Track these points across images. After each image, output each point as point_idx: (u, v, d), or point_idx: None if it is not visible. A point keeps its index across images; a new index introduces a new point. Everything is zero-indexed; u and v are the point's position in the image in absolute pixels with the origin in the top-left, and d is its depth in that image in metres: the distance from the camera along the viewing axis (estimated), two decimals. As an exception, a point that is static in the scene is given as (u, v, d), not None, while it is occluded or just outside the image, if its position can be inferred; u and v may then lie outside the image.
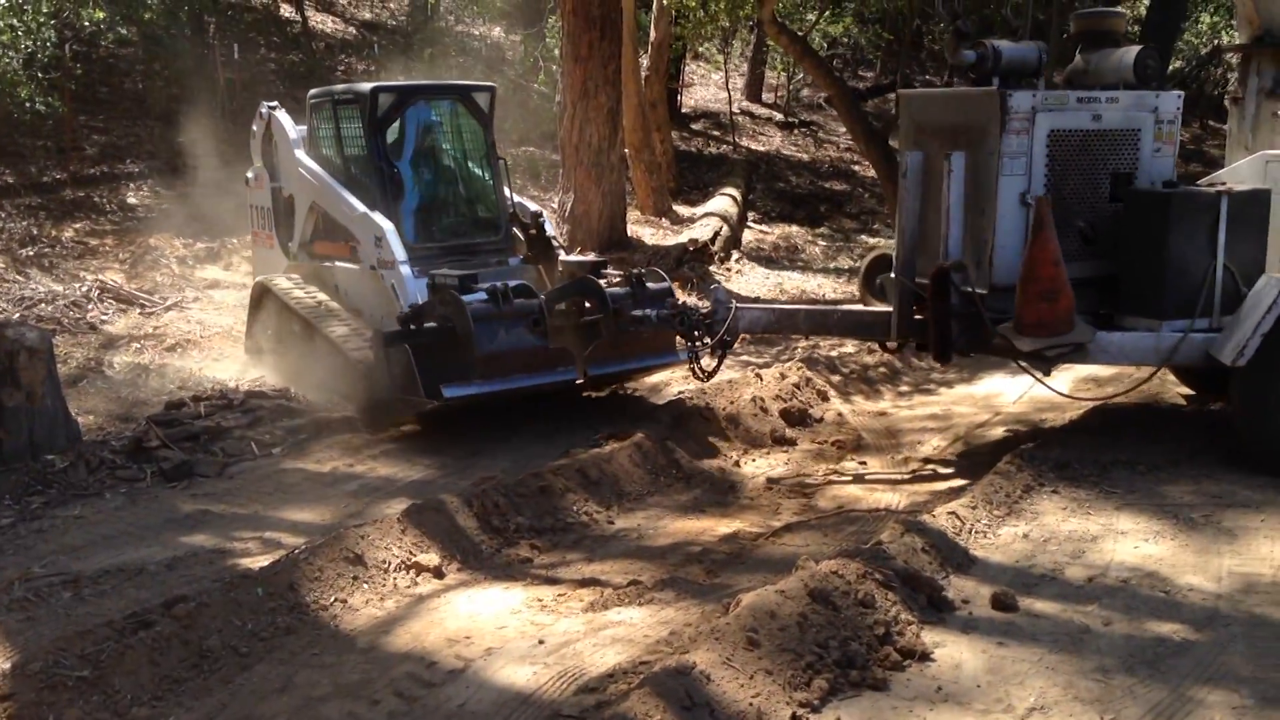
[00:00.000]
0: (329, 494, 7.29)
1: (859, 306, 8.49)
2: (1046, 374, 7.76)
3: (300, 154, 9.96)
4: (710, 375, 8.21)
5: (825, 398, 9.49)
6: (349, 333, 8.83)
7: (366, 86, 9.32)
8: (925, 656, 4.74)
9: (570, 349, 8.34)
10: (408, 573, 5.90)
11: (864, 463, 8.17)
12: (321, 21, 25.83)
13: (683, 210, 18.48)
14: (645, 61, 19.84)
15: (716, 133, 26.25)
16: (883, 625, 4.87)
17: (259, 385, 9.36)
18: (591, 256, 10.21)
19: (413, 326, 8.08)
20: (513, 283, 8.36)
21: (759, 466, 8.20)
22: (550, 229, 9.92)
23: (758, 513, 7.20)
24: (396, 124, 9.54)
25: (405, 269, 8.67)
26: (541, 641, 5.09)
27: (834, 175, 24.09)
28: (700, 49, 29.17)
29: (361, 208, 9.06)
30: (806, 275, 16.06)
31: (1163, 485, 6.61)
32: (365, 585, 5.68)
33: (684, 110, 27.41)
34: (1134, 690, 4.43)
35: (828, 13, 25.52)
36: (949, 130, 7.63)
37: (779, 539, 6.58)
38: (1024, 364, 7.69)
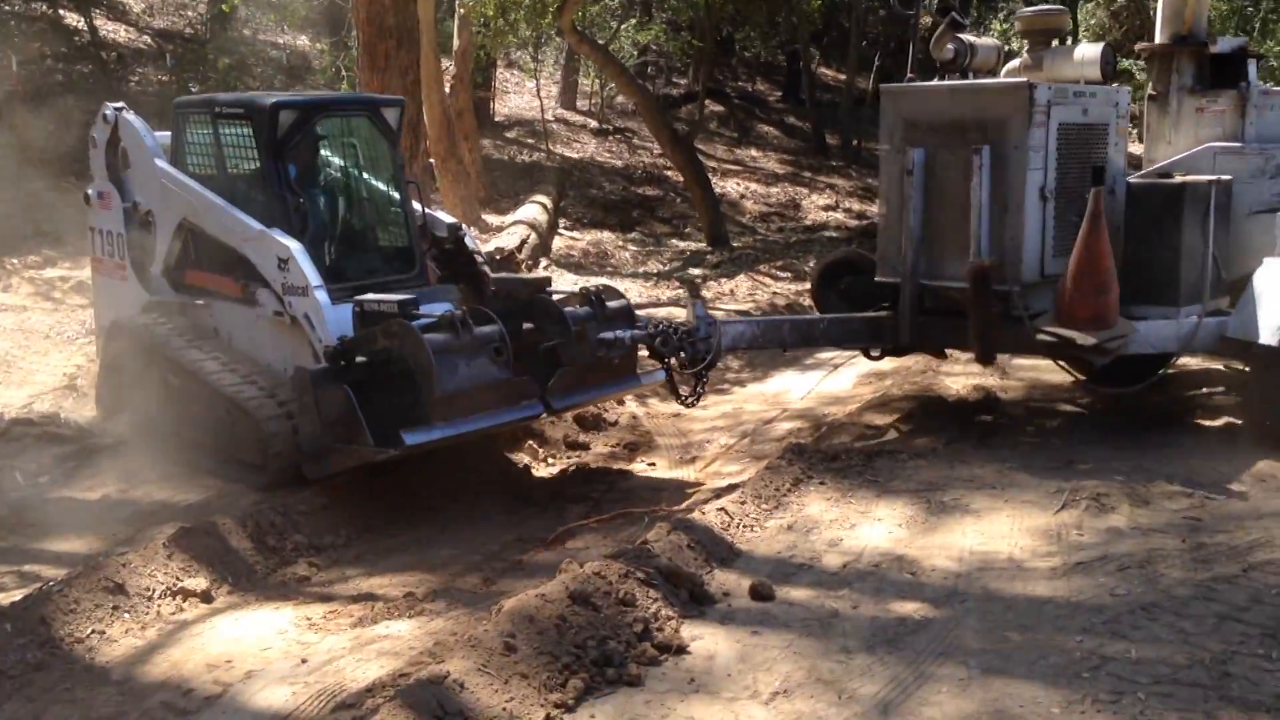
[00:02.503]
0: (99, 523, 7.04)
1: (846, 315, 8.28)
2: (1099, 367, 7.70)
3: (163, 163, 8.44)
4: (694, 400, 7.71)
5: (621, 401, 9.64)
6: (258, 393, 7.46)
7: (265, 99, 7.91)
8: (682, 650, 4.87)
9: (532, 380, 7.29)
10: (173, 599, 5.77)
11: (653, 464, 8.35)
12: (114, 30, 24.88)
13: (493, 219, 18.45)
14: (450, 69, 19.76)
15: (531, 140, 26.29)
16: (642, 622, 4.98)
17: (26, 411, 8.95)
18: (538, 273, 9.31)
19: (343, 363, 6.90)
20: (448, 308, 7.29)
21: (551, 470, 8.29)
22: (472, 243, 8.93)
23: (544, 518, 7.28)
24: (297, 143, 8.02)
25: (321, 294, 7.33)
26: (304, 661, 5.05)
27: (647, 180, 24.39)
28: (512, 56, 29.23)
29: (257, 225, 7.67)
30: (615, 280, 16.21)
31: (921, 471, 6.94)
32: (126, 615, 5.53)
33: (497, 118, 27.38)
34: (872, 668, 4.65)
35: (633, 20, 25.78)
36: (953, 125, 7.53)
37: (560, 544, 6.66)
38: (1063, 362, 7.75)
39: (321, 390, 6.86)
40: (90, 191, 9.09)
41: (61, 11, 22.76)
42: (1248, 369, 7.62)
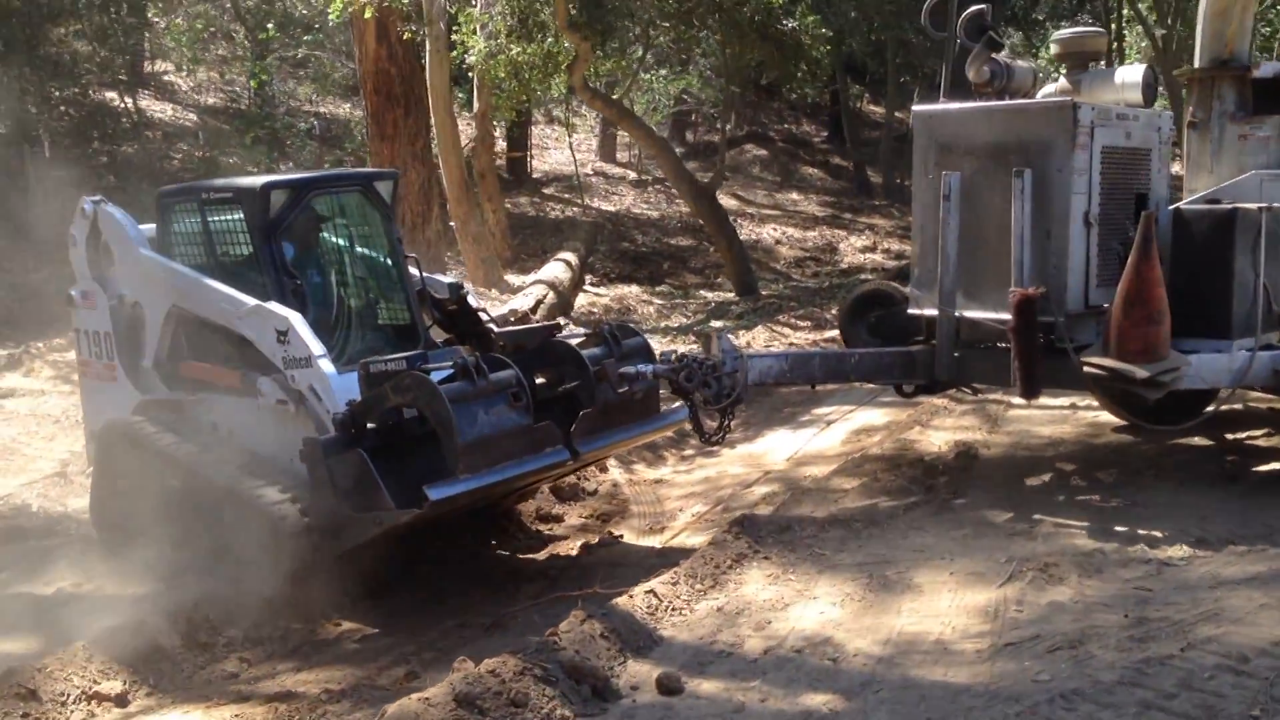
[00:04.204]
0: (47, 620, 7.00)
1: (879, 349, 7.95)
2: (1151, 401, 7.30)
3: (147, 251, 8.14)
4: (719, 438, 7.43)
5: (604, 468, 9.44)
6: (279, 494, 7.00)
7: (254, 182, 7.74)
8: (569, 754, 4.64)
9: (554, 425, 7.01)
10: (87, 704, 5.67)
11: (619, 536, 8.11)
12: (160, 110, 25.53)
13: (515, 279, 18.45)
14: (471, 132, 19.91)
15: (568, 195, 26.39)
16: (532, 725, 4.77)
17: (3, 503, 9.01)
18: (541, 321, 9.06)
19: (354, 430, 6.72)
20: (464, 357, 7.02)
21: (517, 547, 8.12)
22: (475, 300, 8.66)
23: (495, 599, 7.09)
24: (290, 224, 7.82)
25: (325, 363, 7.05)
26: (194, 771, 4.91)
27: (682, 231, 24.29)
28: (553, 113, 29.42)
29: (251, 300, 7.40)
30: (633, 336, 16.07)
31: (873, 542, 6.62)
32: (33, 723, 5.44)
33: (535, 175, 27.55)
34: (762, 773, 4.37)
35: (663, 71, 25.80)
36: (992, 148, 7.28)
37: (496, 630, 6.46)
38: (1105, 399, 7.55)
39: (334, 459, 6.60)
40: (73, 292, 8.72)
41: (110, 95, 23.43)
42: None
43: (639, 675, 5.28)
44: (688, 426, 7.74)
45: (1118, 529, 6.44)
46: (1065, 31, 8.71)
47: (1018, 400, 9.20)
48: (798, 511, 7.42)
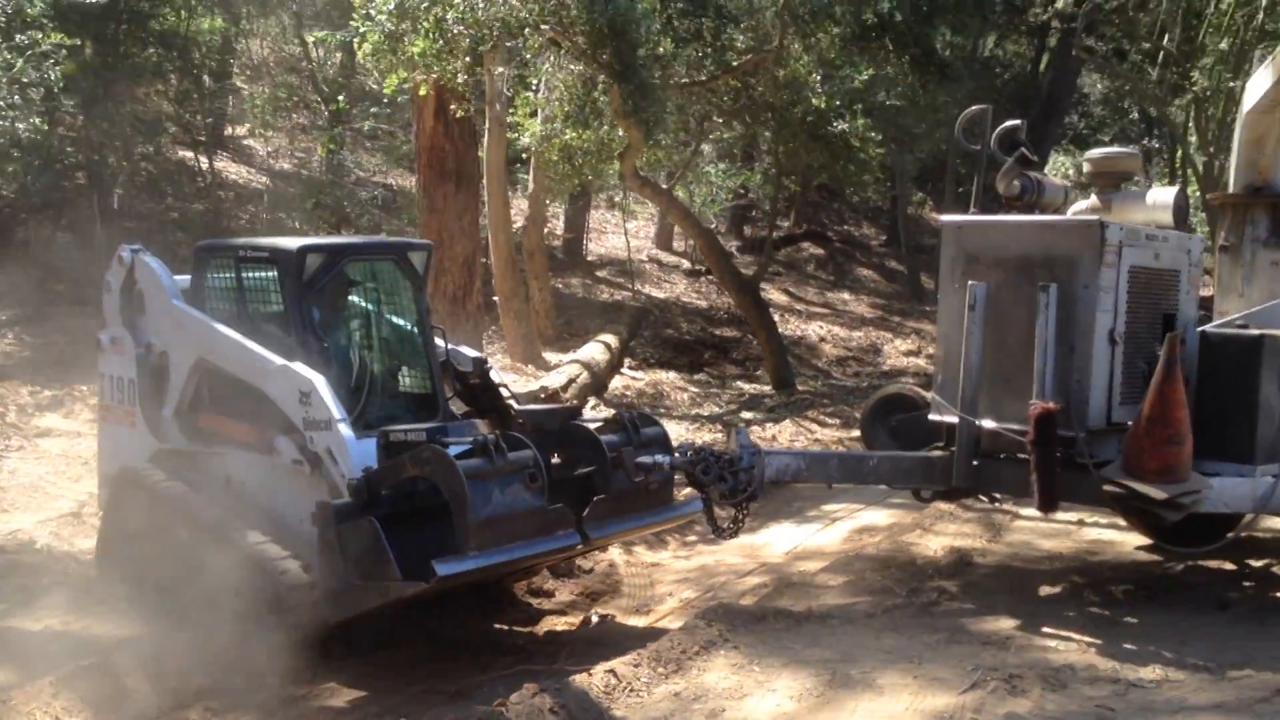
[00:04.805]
0: (27, 654, 7.09)
1: (898, 453, 7.96)
2: (1170, 523, 7.19)
3: (179, 302, 8.29)
4: (733, 532, 7.46)
5: (604, 549, 9.42)
6: (285, 555, 7.05)
7: (291, 243, 7.86)
8: (495, 829, 4.61)
9: (566, 508, 7.00)
10: (44, 740, 5.75)
11: (607, 615, 8.08)
12: (236, 172, 26.34)
13: (554, 357, 18.62)
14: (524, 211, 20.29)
15: (620, 279, 26.67)
16: (463, 794, 4.75)
17: (9, 538, 9.19)
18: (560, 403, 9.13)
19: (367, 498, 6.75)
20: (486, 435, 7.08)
21: (503, 619, 8.11)
22: (498, 376, 8.70)
23: (466, 669, 7.07)
24: (323, 287, 7.92)
25: (344, 428, 7.09)
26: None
27: (728, 322, 24.38)
28: (615, 199, 29.91)
29: (279, 360, 7.47)
30: (664, 421, 16.09)
31: (845, 639, 6.55)
32: (-12, 754, 5.52)
33: (590, 257, 27.90)
34: None
35: (721, 166, 26.17)
36: (1019, 261, 7.33)
37: (460, 699, 6.45)
38: (1128, 517, 7.53)
39: (345, 525, 6.65)
40: (102, 337, 8.86)
41: (187, 154, 24.23)
42: None
43: (583, 754, 5.25)
44: (700, 518, 7.74)
45: (1093, 646, 6.32)
46: (1098, 151, 8.76)
47: (1025, 511, 9.16)
48: (778, 604, 7.36)
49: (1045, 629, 6.69)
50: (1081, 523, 9.12)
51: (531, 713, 5.40)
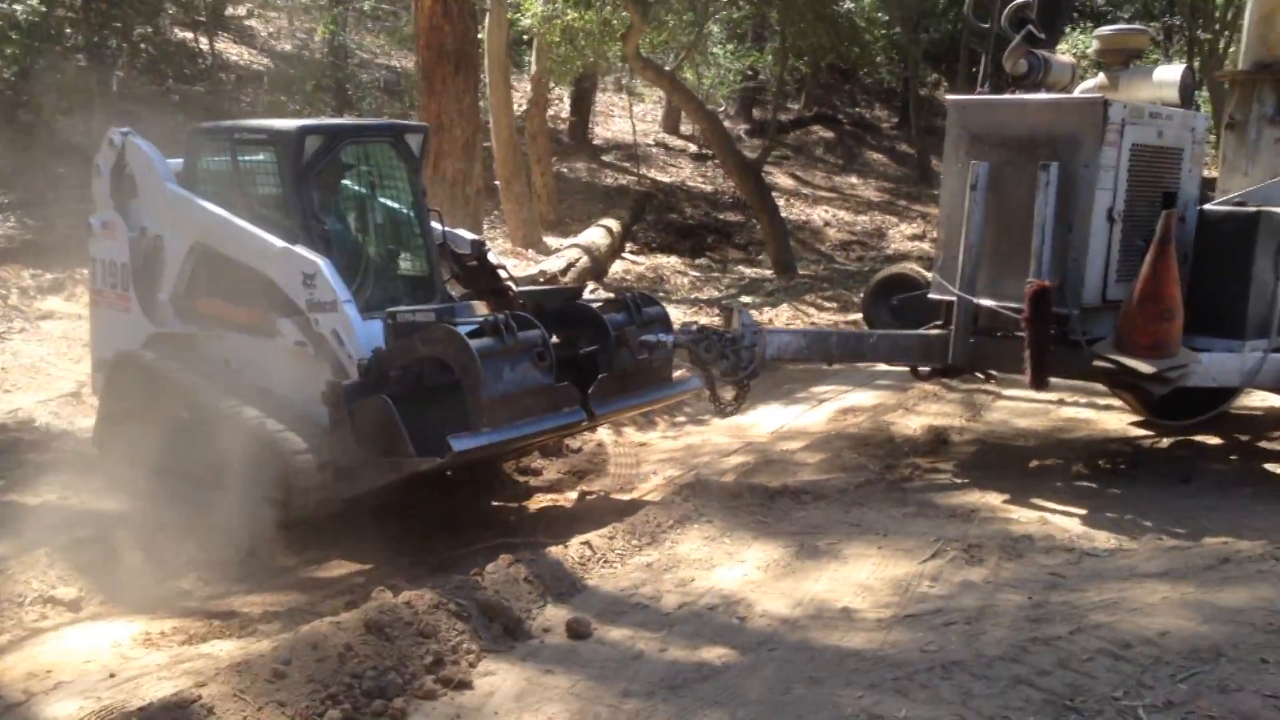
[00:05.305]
0: (24, 526, 7.30)
1: (897, 331, 8.09)
2: (1156, 399, 7.44)
3: (174, 186, 8.23)
4: (734, 409, 7.62)
5: (593, 429, 9.60)
6: (293, 434, 7.12)
7: (290, 125, 7.83)
8: (464, 685, 4.82)
9: (573, 386, 7.18)
10: (41, 606, 6.00)
11: (591, 493, 8.29)
12: (237, 54, 26.06)
13: (554, 241, 18.66)
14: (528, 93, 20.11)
15: (627, 164, 26.52)
16: (435, 655, 4.97)
17: (10, 416, 9.41)
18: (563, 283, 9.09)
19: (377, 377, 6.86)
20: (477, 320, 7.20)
21: (492, 495, 8.33)
22: (495, 258, 8.73)
23: (456, 543, 7.30)
24: (321, 169, 7.87)
25: (351, 309, 7.15)
26: (113, 675, 5.18)
27: (732, 206, 24.30)
28: (623, 82, 29.56)
29: (280, 242, 7.47)
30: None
31: (815, 514, 6.75)
32: (-14, 620, 5.77)
33: (595, 142, 27.70)
34: (638, 715, 4.53)
35: (730, 47, 25.77)
36: (1022, 140, 7.36)
37: (443, 570, 6.67)
38: (1118, 390, 7.62)
39: (356, 403, 6.76)
40: (93, 221, 8.80)
41: (188, 35, 23.98)
42: None
43: (554, 619, 5.47)
44: (691, 399, 7.82)
45: (1052, 518, 6.51)
46: (1107, 28, 8.68)
47: (1008, 391, 9.30)
48: (754, 480, 7.53)
49: (1010, 502, 6.87)
50: (1061, 402, 9.26)
51: (507, 581, 5.60)
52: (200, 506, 7.30)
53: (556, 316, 7.67)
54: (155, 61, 22.16)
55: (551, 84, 20.72)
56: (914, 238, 23.25)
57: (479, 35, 17.01)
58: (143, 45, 21.98)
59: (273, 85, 22.48)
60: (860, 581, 5.72)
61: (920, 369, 8.23)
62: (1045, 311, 6.90)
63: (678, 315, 15.03)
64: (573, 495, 8.20)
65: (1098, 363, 7.04)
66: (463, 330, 6.76)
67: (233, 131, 8.25)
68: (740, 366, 7.25)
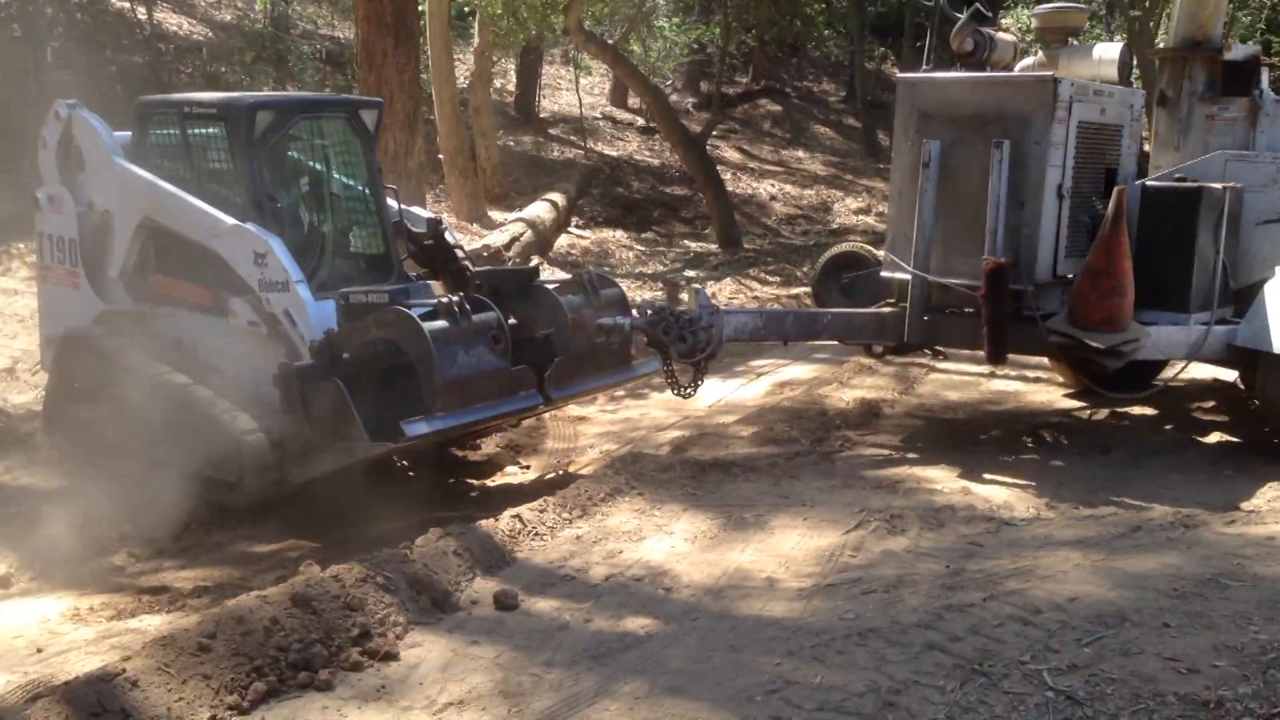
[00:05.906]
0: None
1: (851, 309, 8.18)
2: (1111, 370, 7.54)
3: (122, 160, 8.07)
4: (692, 391, 7.56)
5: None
6: (244, 415, 7.12)
7: (241, 99, 7.69)
8: (390, 657, 4.88)
9: (529, 369, 7.11)
10: (-32, 583, 5.98)
11: (527, 466, 8.35)
12: (176, 24, 25.66)
13: (499, 215, 18.61)
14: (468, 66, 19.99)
15: (574, 137, 26.43)
16: (361, 628, 5.02)
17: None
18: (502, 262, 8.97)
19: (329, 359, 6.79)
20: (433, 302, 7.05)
21: (428, 473, 8.35)
22: (452, 237, 8.61)
23: (388, 519, 7.33)
24: (273, 145, 7.76)
25: (303, 289, 7.10)
26: (40, 650, 5.20)
27: (679, 180, 24.32)
28: (569, 54, 29.41)
29: (231, 220, 7.37)
30: (607, 280, 16.25)
31: (745, 487, 6.85)
32: (-89, 597, 5.75)
33: (543, 115, 27.58)
34: (561, 684, 4.61)
35: (676, 20, 25.74)
36: (973, 118, 7.44)
37: (376, 546, 6.70)
38: (1062, 366, 7.84)
39: (309, 386, 6.69)
40: (40, 195, 8.60)
41: (125, 4, 23.56)
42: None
43: (482, 591, 5.54)
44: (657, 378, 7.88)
45: (975, 489, 6.66)
46: (1046, 6, 8.81)
47: (941, 365, 9.45)
48: (687, 454, 7.63)
49: (935, 473, 7.02)
50: (992, 375, 9.43)
51: (436, 554, 5.65)
52: (142, 484, 7.24)
53: (514, 298, 7.58)
54: (91, 31, 21.78)
55: (496, 57, 20.59)
56: (859, 211, 23.41)
57: (420, 8, 16.90)
58: (79, 14, 21.60)
59: (212, 56, 22.14)
60: (784, 552, 5.84)
61: (874, 347, 8.34)
62: (1002, 288, 7.06)
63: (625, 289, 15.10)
64: (509, 469, 8.24)
65: (1053, 338, 7.22)
66: (417, 312, 6.66)
67: (182, 105, 8.06)
68: (698, 348, 7.28)
